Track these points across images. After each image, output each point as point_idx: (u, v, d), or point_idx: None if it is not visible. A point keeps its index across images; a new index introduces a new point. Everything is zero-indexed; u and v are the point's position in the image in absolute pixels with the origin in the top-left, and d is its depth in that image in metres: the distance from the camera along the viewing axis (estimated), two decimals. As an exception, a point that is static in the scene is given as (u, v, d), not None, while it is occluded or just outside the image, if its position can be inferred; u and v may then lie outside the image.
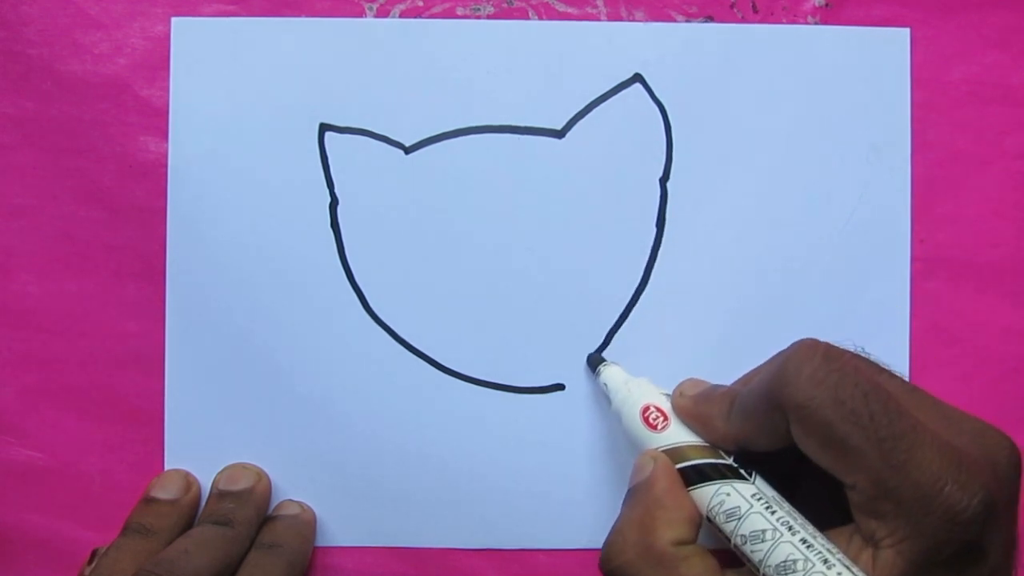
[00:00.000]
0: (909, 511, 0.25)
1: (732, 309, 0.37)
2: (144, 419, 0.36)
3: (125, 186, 0.37)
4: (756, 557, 0.28)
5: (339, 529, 0.37)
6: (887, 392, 0.26)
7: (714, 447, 0.31)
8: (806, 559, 0.26)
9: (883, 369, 0.28)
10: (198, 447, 0.36)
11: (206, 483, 0.36)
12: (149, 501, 0.35)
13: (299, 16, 0.37)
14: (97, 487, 0.37)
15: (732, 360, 0.37)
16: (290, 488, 0.37)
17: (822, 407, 0.26)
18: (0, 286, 0.37)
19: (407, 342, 0.37)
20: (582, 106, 0.37)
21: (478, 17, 0.37)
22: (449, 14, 0.37)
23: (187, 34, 0.37)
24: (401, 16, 0.37)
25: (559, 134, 0.37)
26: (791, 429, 0.27)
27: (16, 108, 0.36)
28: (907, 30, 0.37)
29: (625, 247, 0.37)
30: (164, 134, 0.37)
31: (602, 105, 0.37)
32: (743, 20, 0.37)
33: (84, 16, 0.36)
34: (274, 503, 0.36)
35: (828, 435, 0.26)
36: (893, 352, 0.37)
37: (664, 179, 0.37)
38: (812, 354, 0.27)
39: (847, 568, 0.26)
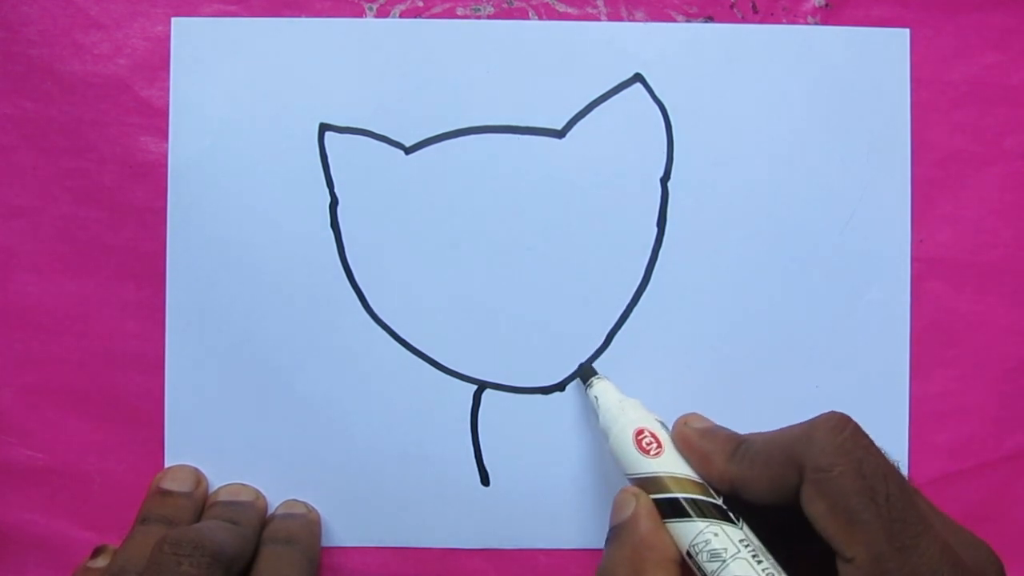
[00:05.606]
0: None
1: (732, 309, 0.37)
2: (144, 419, 0.36)
3: (125, 186, 0.36)
4: None
5: (339, 529, 0.37)
6: (904, 480, 0.27)
7: (705, 485, 0.30)
8: None
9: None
10: (198, 447, 0.36)
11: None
12: (164, 493, 0.35)
13: (299, 16, 0.37)
14: (97, 487, 0.37)
15: (732, 360, 0.37)
16: (291, 488, 0.37)
17: (843, 475, 0.26)
18: (0, 286, 0.37)
19: (407, 342, 0.37)
20: (582, 106, 0.37)
21: (478, 17, 0.37)
22: (449, 14, 0.37)
23: (187, 34, 0.37)
24: (401, 16, 0.37)
25: (559, 134, 0.37)
26: (802, 488, 0.27)
27: (16, 108, 0.36)
28: (907, 30, 0.37)
29: (625, 247, 0.37)
30: (164, 134, 0.37)
31: (602, 105, 0.37)
32: (743, 20, 0.37)
33: (84, 16, 0.36)
34: (276, 503, 0.36)
35: (841, 503, 0.26)
36: (893, 352, 0.37)
37: (665, 179, 0.37)
38: (843, 426, 0.27)
39: None
